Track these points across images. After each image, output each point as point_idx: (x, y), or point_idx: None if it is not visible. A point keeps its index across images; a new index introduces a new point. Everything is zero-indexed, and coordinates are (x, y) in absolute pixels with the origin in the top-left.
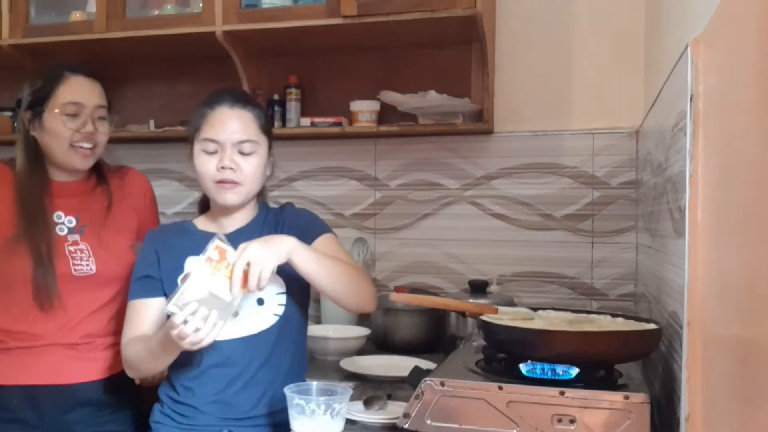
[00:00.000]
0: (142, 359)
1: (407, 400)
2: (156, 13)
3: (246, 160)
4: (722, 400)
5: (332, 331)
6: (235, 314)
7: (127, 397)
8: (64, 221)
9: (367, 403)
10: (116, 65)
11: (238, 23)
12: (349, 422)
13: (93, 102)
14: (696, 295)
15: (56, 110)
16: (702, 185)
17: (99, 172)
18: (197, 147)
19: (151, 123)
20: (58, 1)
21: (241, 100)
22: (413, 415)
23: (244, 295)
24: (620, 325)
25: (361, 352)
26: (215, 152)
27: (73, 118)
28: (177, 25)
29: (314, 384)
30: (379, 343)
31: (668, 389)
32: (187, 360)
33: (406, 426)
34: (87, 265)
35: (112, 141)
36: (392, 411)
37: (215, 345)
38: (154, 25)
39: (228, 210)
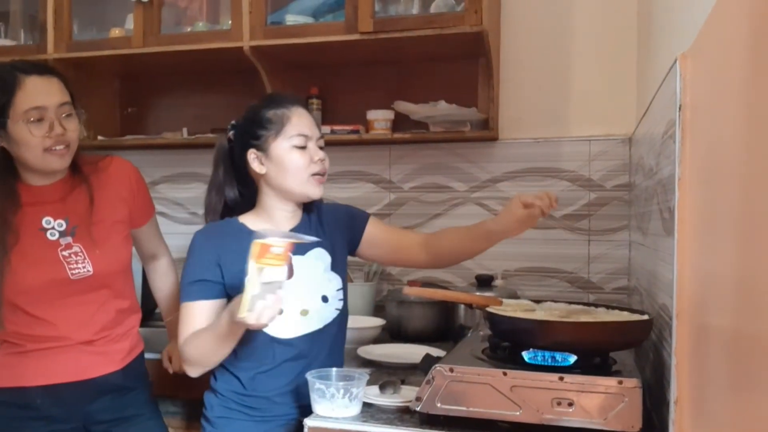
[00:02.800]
0: (207, 351)
1: (419, 384)
2: (188, 29)
3: (325, 155)
4: (708, 385)
5: (350, 321)
6: (305, 312)
7: (142, 380)
8: (53, 225)
9: (383, 388)
10: (152, 78)
11: (264, 39)
12: (366, 405)
13: (54, 101)
14: (684, 289)
15: (20, 121)
16: (689, 188)
17: (76, 168)
18: (285, 144)
19: (184, 131)
20: (99, 18)
21: (306, 103)
22: (425, 398)
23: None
24: (615, 316)
25: (376, 340)
26: (303, 148)
27: (39, 124)
28: (208, 41)
29: (334, 370)
30: (394, 333)
31: (658, 375)
32: (258, 355)
33: (418, 409)
34: (84, 267)
35: (149, 147)
36: (405, 395)
37: (288, 342)
38: (187, 41)
39: (292, 208)
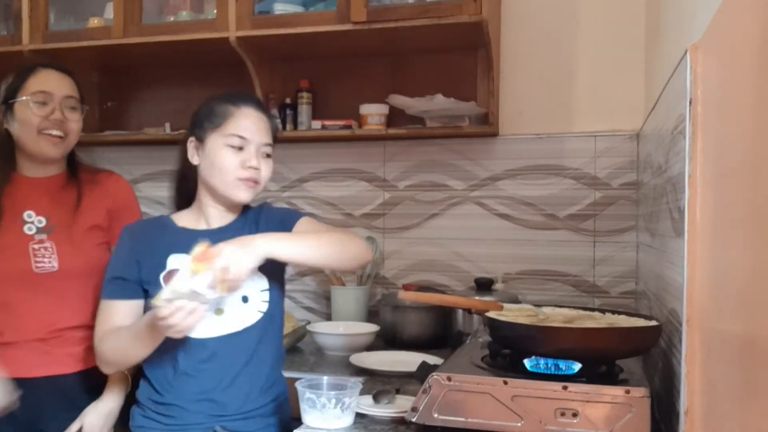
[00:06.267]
0: (121, 351)
1: (415, 394)
2: (171, 19)
3: (266, 163)
4: (720, 395)
5: (342, 327)
6: (220, 312)
7: (101, 392)
8: (33, 220)
9: (377, 398)
10: (133, 70)
11: (251, 29)
12: (359, 416)
13: (62, 92)
14: (695, 293)
15: (25, 98)
16: (701, 186)
17: (73, 169)
18: (220, 140)
19: (167, 126)
20: (76, 7)
21: (262, 106)
22: (421, 408)
23: (225, 295)
24: (621, 321)
25: (370, 347)
26: (240, 149)
27: (42, 106)
28: (192, 31)
29: (325, 379)
30: (388, 339)
31: (668, 384)
32: (169, 359)
33: (414, 419)
34: (49, 262)
35: (130, 143)
36: (401, 405)
37: (200, 342)
38: (170, 31)
39: (224, 207)
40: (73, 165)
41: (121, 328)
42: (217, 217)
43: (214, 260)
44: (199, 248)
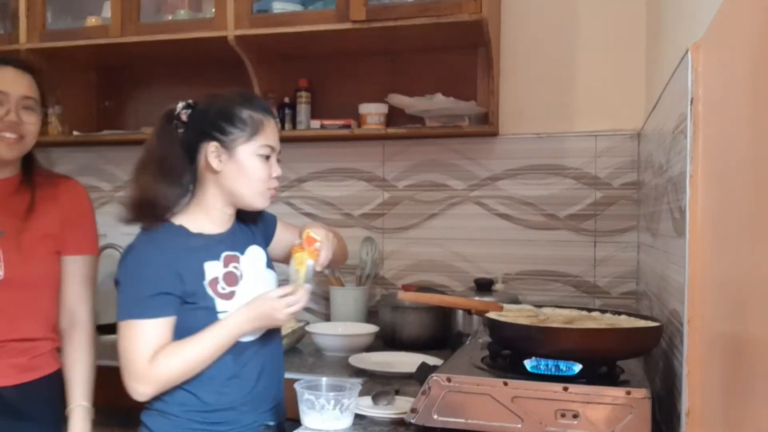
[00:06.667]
0: (188, 366)
1: (415, 395)
2: (169, 18)
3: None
4: (722, 396)
5: (341, 328)
6: None
7: (46, 410)
8: None
9: (376, 399)
10: (131, 69)
11: (250, 28)
12: (358, 417)
13: (19, 92)
14: (696, 293)
15: None
16: (702, 186)
17: (28, 172)
18: (252, 149)
19: None
20: (74, 6)
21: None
22: (420, 410)
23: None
24: (622, 322)
25: (369, 348)
26: (267, 158)
27: None
28: (190, 30)
29: (324, 380)
30: (387, 340)
31: (669, 385)
32: (217, 365)
33: (413, 421)
34: None
35: (128, 143)
36: (400, 406)
37: (249, 343)
38: (168, 30)
39: (232, 211)
40: (28, 168)
41: (182, 343)
42: (226, 220)
43: (317, 246)
44: (305, 235)
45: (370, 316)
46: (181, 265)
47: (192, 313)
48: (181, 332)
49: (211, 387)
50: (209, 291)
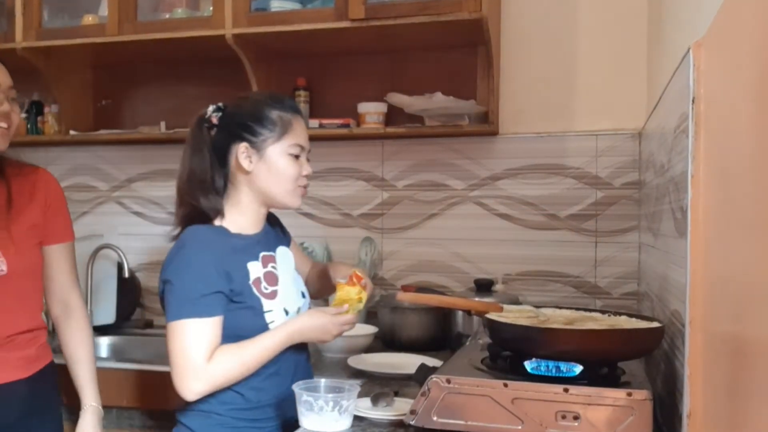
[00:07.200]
0: (244, 367)
1: (414, 397)
2: (167, 16)
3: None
4: (724, 397)
5: None
6: (298, 309)
7: (54, 396)
8: None
9: (375, 400)
10: (128, 68)
11: (248, 26)
12: (357, 419)
13: (6, 82)
14: (698, 294)
15: None
16: (703, 186)
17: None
18: (282, 149)
19: (162, 125)
20: (70, 4)
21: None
22: (420, 411)
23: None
24: (623, 323)
25: (368, 349)
26: (297, 158)
27: None
28: (187, 28)
29: (322, 381)
30: (387, 341)
31: (670, 386)
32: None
33: (413, 422)
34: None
35: (124, 142)
36: (399, 408)
37: None
38: (165, 29)
39: (265, 211)
40: None
41: (239, 345)
42: (260, 220)
43: (363, 283)
44: (352, 272)
45: (370, 316)
46: (228, 264)
47: (239, 312)
48: (227, 331)
49: (253, 384)
50: (255, 291)
